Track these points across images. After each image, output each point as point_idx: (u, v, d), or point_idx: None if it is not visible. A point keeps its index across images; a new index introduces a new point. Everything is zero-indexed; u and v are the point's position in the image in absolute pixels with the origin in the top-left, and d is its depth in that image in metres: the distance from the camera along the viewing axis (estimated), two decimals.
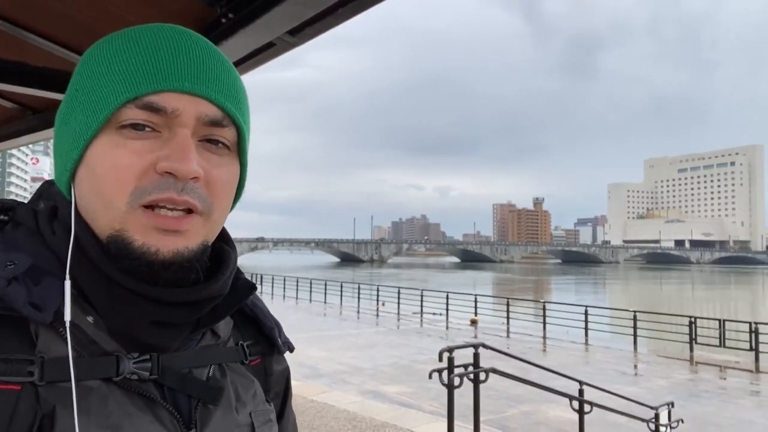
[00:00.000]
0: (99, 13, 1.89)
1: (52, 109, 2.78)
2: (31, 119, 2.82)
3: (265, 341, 0.75)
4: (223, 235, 0.67)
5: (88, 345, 0.57)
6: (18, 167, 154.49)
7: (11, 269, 0.55)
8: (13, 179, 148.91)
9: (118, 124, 0.57)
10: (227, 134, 0.61)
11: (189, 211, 0.58)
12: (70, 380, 0.53)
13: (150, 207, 0.56)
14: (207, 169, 0.58)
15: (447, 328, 17.67)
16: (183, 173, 0.56)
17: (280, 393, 0.77)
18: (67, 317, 0.55)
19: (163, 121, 0.57)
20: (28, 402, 0.52)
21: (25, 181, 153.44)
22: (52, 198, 0.64)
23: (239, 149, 0.64)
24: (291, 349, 0.78)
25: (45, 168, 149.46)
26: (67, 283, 0.56)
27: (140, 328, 0.59)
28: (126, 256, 0.56)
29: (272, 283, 26.67)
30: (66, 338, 0.55)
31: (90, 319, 0.58)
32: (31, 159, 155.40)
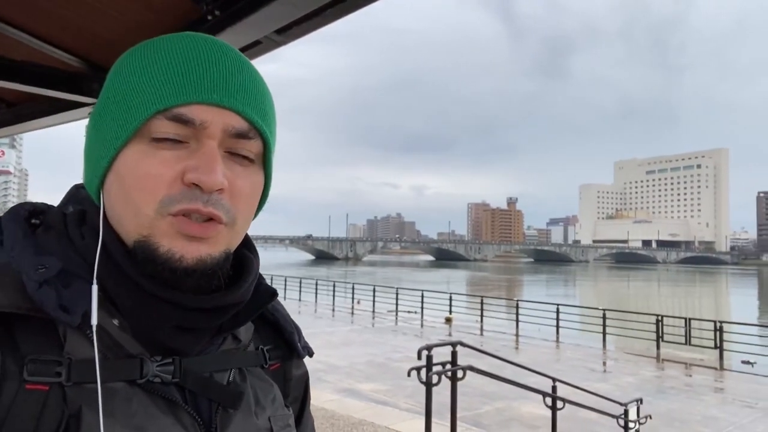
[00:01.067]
0: (80, 7, 1.86)
1: (28, 102, 2.71)
2: (4, 112, 2.75)
3: (285, 346, 0.75)
4: (246, 242, 0.68)
5: (113, 347, 0.58)
6: None
7: (42, 273, 0.56)
8: None
9: (148, 135, 0.58)
10: (253, 146, 0.62)
11: (213, 220, 0.59)
12: (96, 382, 0.54)
13: (177, 215, 0.57)
14: (232, 179, 0.59)
15: (422, 326, 17.75)
16: (209, 185, 0.57)
17: (299, 397, 0.78)
18: (94, 321, 0.56)
19: (191, 132, 0.58)
20: (55, 402, 0.53)
21: None
22: (80, 202, 0.65)
23: (264, 160, 0.64)
24: (310, 354, 0.78)
25: (11, 161, 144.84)
26: (95, 288, 0.57)
27: (163, 332, 0.60)
28: (151, 261, 0.57)
29: None
30: (92, 340, 0.56)
31: (116, 322, 0.59)
32: None
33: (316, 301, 22.70)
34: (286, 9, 1.73)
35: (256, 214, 0.67)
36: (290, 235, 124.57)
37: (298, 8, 1.73)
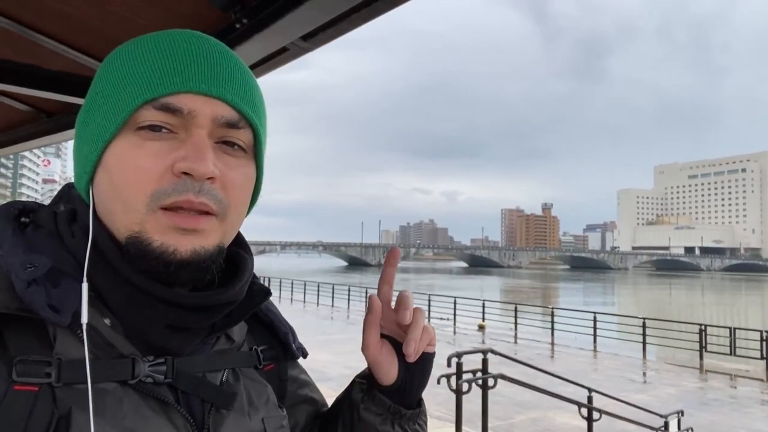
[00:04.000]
0: (112, 18, 1.91)
1: (65, 112, 2.80)
2: (44, 122, 2.85)
3: (279, 346, 0.75)
4: (240, 241, 0.67)
5: (104, 347, 0.58)
6: (30, 169, 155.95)
7: (31, 271, 0.55)
8: (24, 180, 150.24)
9: (135, 125, 0.57)
10: (243, 136, 0.61)
11: (205, 212, 0.58)
12: (87, 382, 0.53)
13: (168, 208, 0.57)
14: (223, 170, 0.59)
15: (454, 333, 17.60)
16: (199, 173, 0.56)
17: (305, 397, 0.79)
18: (84, 319, 0.55)
19: (179, 122, 0.57)
20: (45, 403, 0.52)
21: (37, 183, 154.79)
22: (72, 201, 0.65)
23: (256, 152, 0.64)
24: (305, 355, 0.78)
25: (56, 170, 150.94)
26: (84, 286, 0.56)
27: (155, 332, 0.59)
28: (144, 256, 0.56)
29: (280, 286, 26.73)
30: (83, 340, 0.55)
31: (107, 321, 0.58)
32: (43, 161, 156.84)
33: (348, 307, 22.79)
34: (311, 15, 1.74)
35: (250, 209, 0.66)
36: (323, 242, 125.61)
37: (323, 14, 1.74)
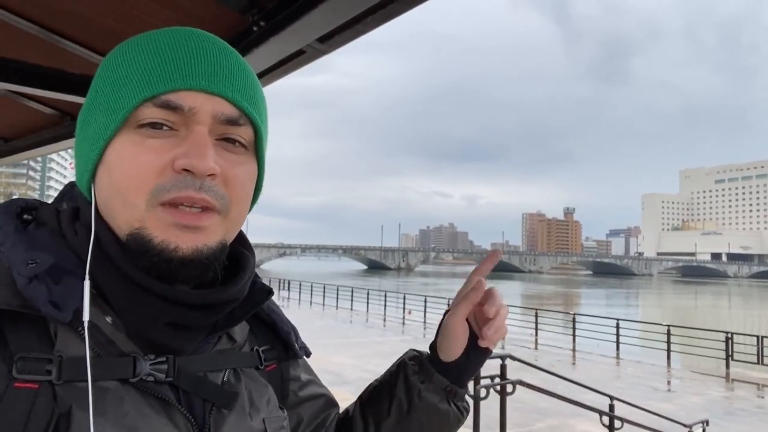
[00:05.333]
0: (131, 22, 1.94)
1: None
2: (69, 125, 2.91)
3: (282, 346, 0.74)
4: (242, 239, 0.67)
5: (105, 345, 0.57)
6: (57, 171, 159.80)
7: (32, 268, 0.55)
8: (52, 183, 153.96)
9: (136, 123, 0.57)
10: (244, 133, 0.61)
11: (207, 208, 0.58)
12: (87, 380, 0.53)
13: (169, 204, 0.56)
14: (224, 167, 0.58)
15: None
16: (200, 170, 0.56)
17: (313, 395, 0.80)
18: (86, 317, 0.55)
19: (180, 119, 0.57)
20: (45, 401, 0.52)
21: (63, 184, 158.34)
22: (74, 199, 0.65)
23: (257, 149, 0.64)
24: (308, 354, 0.78)
25: None
26: (86, 283, 0.56)
27: (156, 330, 0.59)
28: (145, 253, 0.56)
29: (299, 289, 26.88)
30: (84, 338, 0.55)
31: (108, 319, 0.58)
32: (70, 163, 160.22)
33: (367, 311, 22.78)
34: (327, 17, 1.75)
35: (251, 206, 0.66)
36: (343, 245, 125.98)
37: (339, 16, 1.74)
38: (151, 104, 0.57)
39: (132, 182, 0.56)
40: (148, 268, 0.57)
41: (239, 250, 0.66)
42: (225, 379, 0.65)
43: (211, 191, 0.57)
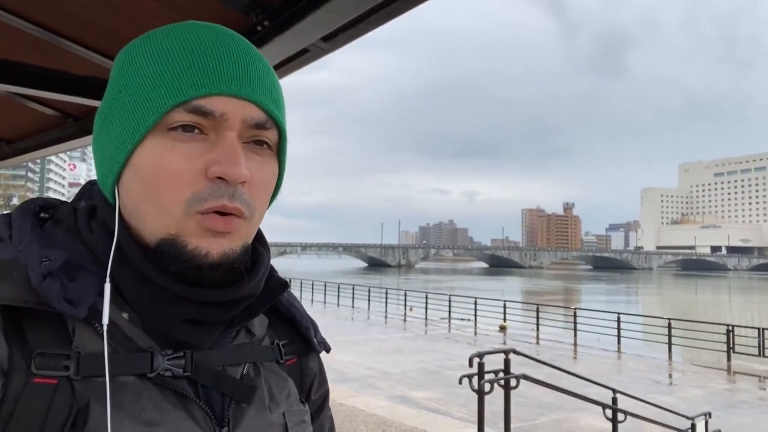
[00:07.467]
0: (133, 23, 1.94)
1: (92, 116, 2.86)
2: (71, 126, 2.91)
3: (301, 341, 0.75)
4: (258, 236, 0.67)
5: (123, 341, 0.58)
6: (56, 173, 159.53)
7: (46, 265, 0.55)
8: (51, 185, 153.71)
9: (166, 126, 0.57)
10: (271, 136, 0.61)
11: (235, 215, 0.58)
12: (105, 376, 0.53)
13: (205, 213, 0.57)
14: (251, 171, 0.59)
15: (475, 333, 17.50)
16: (234, 178, 0.56)
17: (322, 395, 0.78)
18: (105, 320, 0.55)
19: (210, 123, 0.57)
20: (63, 396, 0.53)
21: (63, 186, 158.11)
22: (93, 198, 0.64)
23: (279, 149, 0.64)
24: (327, 349, 0.78)
25: (82, 174, 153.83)
26: (107, 286, 0.56)
27: (174, 326, 0.59)
28: (177, 259, 0.57)
29: (301, 287, 26.89)
30: (102, 334, 0.55)
31: (125, 315, 0.58)
32: (69, 165, 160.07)
33: (368, 308, 22.81)
34: (331, 16, 1.75)
35: (269, 204, 0.66)
36: (343, 243, 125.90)
37: (343, 15, 1.75)
38: (182, 109, 0.56)
39: (168, 189, 0.56)
40: (177, 273, 0.57)
41: (255, 246, 0.66)
42: (244, 372, 0.65)
43: (241, 199, 0.57)
